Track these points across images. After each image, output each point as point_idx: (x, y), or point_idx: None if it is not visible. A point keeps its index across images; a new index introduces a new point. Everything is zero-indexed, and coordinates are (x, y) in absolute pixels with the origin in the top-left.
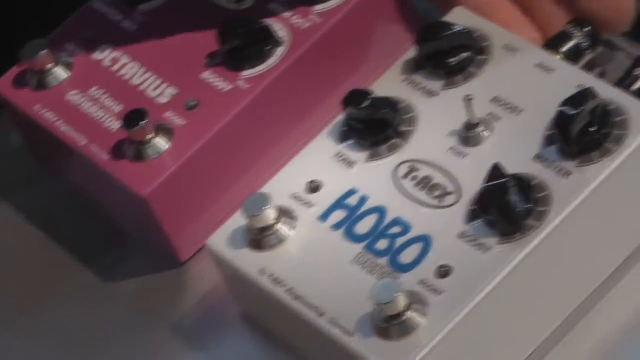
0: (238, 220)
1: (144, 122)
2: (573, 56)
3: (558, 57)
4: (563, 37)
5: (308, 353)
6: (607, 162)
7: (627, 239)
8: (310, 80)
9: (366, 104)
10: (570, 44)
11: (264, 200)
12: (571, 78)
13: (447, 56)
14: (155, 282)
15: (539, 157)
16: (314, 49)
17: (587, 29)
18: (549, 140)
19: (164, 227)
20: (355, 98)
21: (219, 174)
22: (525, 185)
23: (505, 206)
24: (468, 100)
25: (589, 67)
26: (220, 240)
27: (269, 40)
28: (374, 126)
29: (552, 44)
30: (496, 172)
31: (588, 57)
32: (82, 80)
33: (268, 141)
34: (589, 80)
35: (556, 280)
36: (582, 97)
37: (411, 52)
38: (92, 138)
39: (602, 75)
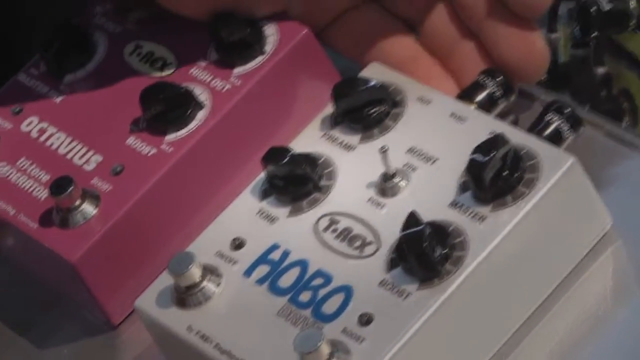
0: (165, 280)
1: (70, 189)
2: (487, 105)
3: (472, 106)
4: (476, 87)
5: None
6: (520, 205)
7: (544, 279)
8: (232, 141)
9: (285, 160)
10: (484, 94)
11: (189, 259)
12: (483, 126)
13: (363, 110)
14: (89, 347)
15: (454, 204)
16: (234, 110)
17: (499, 78)
18: (463, 187)
19: (94, 291)
20: (274, 155)
21: (147, 237)
22: (441, 232)
23: (421, 253)
24: (383, 152)
25: (502, 116)
26: (148, 300)
27: (190, 104)
28: (294, 182)
29: (466, 94)
30: (412, 220)
31: (501, 105)
32: (9, 152)
33: (194, 202)
34: (501, 127)
35: (476, 322)
36: (492, 143)
37: (329, 108)
38: (20, 208)
39: (515, 123)
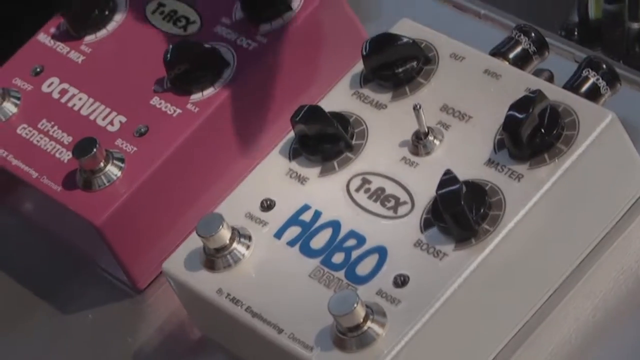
0: (193, 242)
1: (94, 150)
2: (521, 62)
3: (506, 63)
4: (510, 43)
5: None
6: (558, 163)
7: (582, 238)
8: (259, 99)
9: (315, 119)
10: (517, 50)
11: (218, 220)
12: (519, 82)
13: (394, 68)
14: (113, 311)
15: (490, 162)
16: (260, 69)
17: (533, 34)
18: (500, 145)
19: (119, 255)
20: (304, 114)
21: (173, 199)
22: (478, 191)
23: (458, 213)
24: (417, 109)
25: (537, 73)
26: (175, 263)
27: (215, 63)
28: (324, 141)
29: (500, 50)
30: (448, 178)
31: (535, 62)
32: (30, 114)
33: (221, 164)
34: (537, 83)
35: (514, 282)
36: (530, 100)
37: (359, 66)
38: (43, 170)
39: (550, 79)
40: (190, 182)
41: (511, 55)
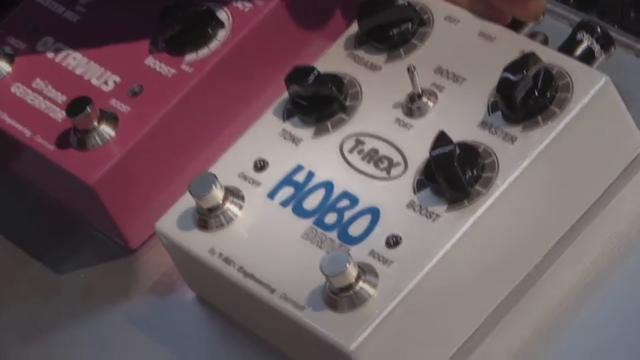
0: (186, 202)
1: (88, 109)
2: (515, 25)
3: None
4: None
5: (262, 331)
6: (552, 125)
7: (575, 201)
8: (254, 61)
9: (309, 80)
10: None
11: (210, 180)
12: (513, 44)
13: (389, 30)
14: (106, 271)
15: (484, 124)
16: (255, 30)
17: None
18: (493, 107)
19: (113, 215)
20: (298, 75)
21: (166, 160)
22: (471, 152)
23: (451, 174)
24: (411, 71)
25: (531, 35)
26: (168, 222)
27: (210, 24)
28: (318, 102)
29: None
30: (441, 140)
31: (530, 25)
32: (24, 72)
33: (215, 124)
34: (531, 46)
35: (507, 245)
36: (523, 62)
37: (354, 27)
38: (37, 129)
39: (544, 42)
40: (184, 143)
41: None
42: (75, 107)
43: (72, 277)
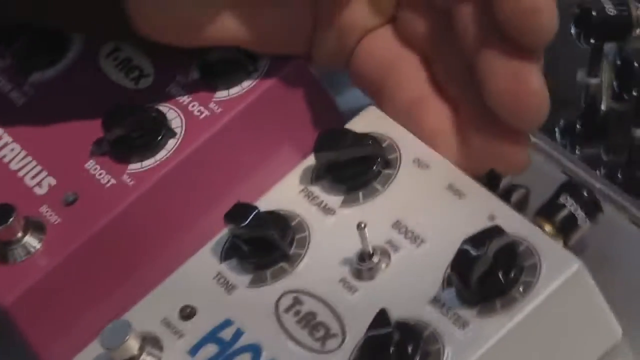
0: (98, 347)
1: (11, 220)
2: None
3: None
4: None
5: None
6: (510, 314)
7: None
8: (202, 179)
9: (250, 221)
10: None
11: (124, 330)
12: (483, 206)
13: (349, 169)
14: None
15: (435, 301)
16: (208, 143)
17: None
18: (449, 281)
19: (31, 339)
20: (238, 213)
21: (96, 281)
22: (413, 337)
23: None
24: (361, 229)
25: (511, 189)
26: None
27: (159, 131)
28: (259, 247)
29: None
30: (381, 319)
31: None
32: None
33: (150, 246)
34: (501, 211)
35: None
36: (487, 235)
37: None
38: None
39: (525, 196)
40: (117, 262)
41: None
42: None
43: None
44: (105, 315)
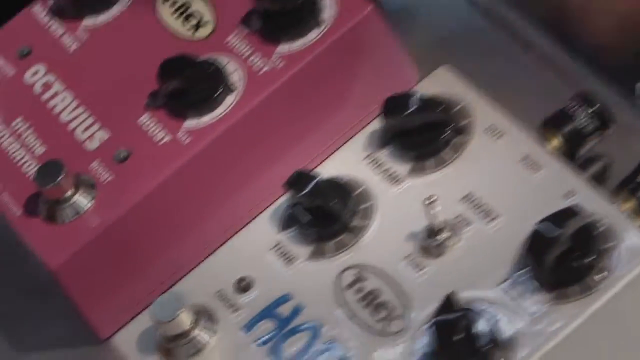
0: (148, 319)
1: (60, 178)
2: (574, 140)
3: (556, 141)
4: (563, 116)
5: None
6: (588, 301)
7: None
8: (261, 138)
9: (308, 190)
10: (572, 126)
11: (177, 303)
12: (560, 182)
13: (418, 135)
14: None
15: (507, 283)
16: (269, 100)
17: (593, 108)
18: (523, 263)
19: (78, 302)
20: (298, 181)
21: (147, 243)
22: (484, 323)
23: (455, 349)
24: (430, 203)
25: (591, 160)
26: (127, 340)
27: (218, 85)
28: (321, 217)
29: (552, 122)
30: (450, 302)
31: (592, 142)
32: (6, 106)
33: (205, 209)
34: (580, 187)
35: None
36: (565, 215)
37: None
38: (5, 183)
39: (606, 168)
40: (170, 224)
41: (564, 131)
42: (45, 173)
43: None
44: (155, 280)
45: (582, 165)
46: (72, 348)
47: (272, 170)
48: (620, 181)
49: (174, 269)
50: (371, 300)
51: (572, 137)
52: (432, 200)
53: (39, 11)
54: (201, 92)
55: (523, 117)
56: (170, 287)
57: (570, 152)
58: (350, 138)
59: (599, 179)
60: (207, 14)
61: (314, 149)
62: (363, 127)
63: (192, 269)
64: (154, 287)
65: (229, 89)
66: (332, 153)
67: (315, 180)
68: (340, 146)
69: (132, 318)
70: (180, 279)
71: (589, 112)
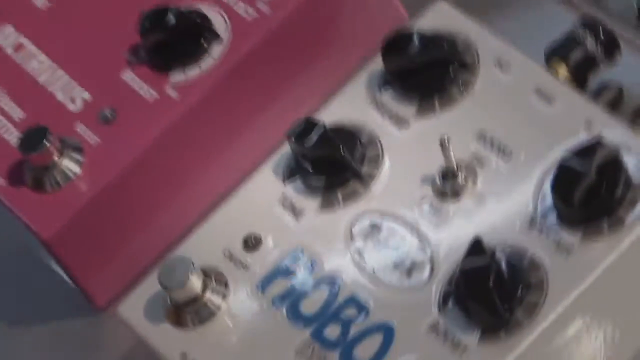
0: (155, 282)
1: (45, 144)
2: (583, 67)
3: (564, 70)
4: (569, 42)
5: None
6: (619, 236)
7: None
8: (254, 87)
9: (312, 140)
10: (581, 53)
11: (185, 267)
12: (576, 111)
13: (421, 74)
14: (70, 329)
15: (532, 222)
16: (259, 48)
17: (601, 31)
18: (547, 200)
19: (73, 271)
20: (301, 129)
21: (140, 208)
22: (513, 266)
23: (484, 297)
24: (444, 145)
25: (603, 87)
26: (133, 308)
27: (203, 35)
28: (327, 166)
29: (558, 49)
30: (476, 247)
31: (602, 68)
32: None
33: (199, 166)
34: (598, 117)
35: None
36: (590, 149)
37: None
38: None
39: (618, 97)
40: (163, 186)
41: (572, 58)
42: (30, 140)
43: (35, 330)
44: (153, 245)
45: (594, 94)
46: (70, 318)
47: (267, 119)
48: (636, 107)
49: (172, 231)
50: (390, 249)
51: (581, 65)
52: (446, 140)
53: None
54: (186, 43)
55: (526, 49)
56: (172, 250)
57: (580, 81)
58: (348, 83)
59: (614, 107)
60: None
61: (310, 95)
62: (359, 70)
63: (194, 229)
64: (153, 252)
65: (215, 39)
66: (330, 99)
67: (322, 128)
68: (339, 91)
69: (131, 285)
70: (182, 241)
71: (596, 36)
